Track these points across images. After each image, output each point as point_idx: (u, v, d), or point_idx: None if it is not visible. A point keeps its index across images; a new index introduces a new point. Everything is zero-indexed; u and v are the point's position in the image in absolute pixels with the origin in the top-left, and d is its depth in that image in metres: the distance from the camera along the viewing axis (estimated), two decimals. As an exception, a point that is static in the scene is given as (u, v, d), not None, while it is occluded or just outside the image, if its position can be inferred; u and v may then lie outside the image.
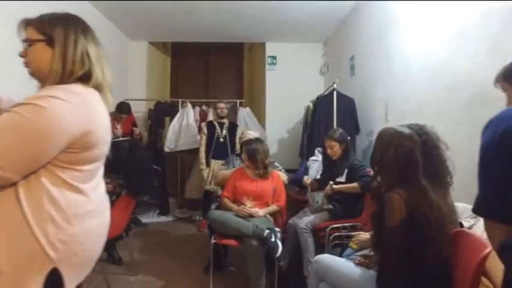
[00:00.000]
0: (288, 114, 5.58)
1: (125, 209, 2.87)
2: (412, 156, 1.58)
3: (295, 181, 3.66)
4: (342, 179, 2.80)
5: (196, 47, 6.08)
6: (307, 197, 2.93)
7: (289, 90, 5.61)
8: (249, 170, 2.94)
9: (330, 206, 2.75)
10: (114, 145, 3.25)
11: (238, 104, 5.34)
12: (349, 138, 3.01)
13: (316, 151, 3.73)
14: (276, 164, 3.32)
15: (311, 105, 4.27)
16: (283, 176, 3.13)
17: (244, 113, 5.18)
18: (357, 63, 4.46)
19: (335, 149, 2.85)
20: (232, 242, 2.62)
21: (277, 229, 2.60)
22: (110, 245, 3.21)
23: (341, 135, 2.87)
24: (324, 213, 2.75)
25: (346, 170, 2.80)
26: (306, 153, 4.25)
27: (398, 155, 1.57)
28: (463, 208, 2.05)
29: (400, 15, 3.40)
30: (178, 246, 3.86)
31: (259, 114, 5.72)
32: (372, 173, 3.00)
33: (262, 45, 5.86)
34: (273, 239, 2.44)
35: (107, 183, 2.67)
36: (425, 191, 1.54)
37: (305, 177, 3.14)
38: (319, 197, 2.77)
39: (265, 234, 2.44)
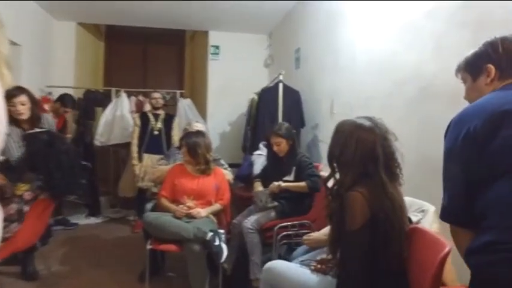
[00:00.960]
0: (230, 106, 5.33)
1: (40, 215, 2.41)
2: (374, 150, 1.43)
3: (240, 177, 3.43)
4: (291, 177, 2.61)
5: (134, 32, 5.56)
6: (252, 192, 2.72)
7: (232, 82, 5.36)
8: (189, 165, 2.65)
9: (275, 204, 2.55)
10: (31, 137, 2.78)
11: (178, 95, 4.97)
12: (294, 132, 2.84)
13: (260, 145, 3.52)
14: (222, 161, 3.06)
15: (256, 97, 4.06)
16: (228, 175, 2.89)
17: (185, 105, 4.83)
18: (303, 56, 4.33)
19: (282, 146, 2.64)
20: (171, 248, 2.30)
21: (221, 231, 2.34)
22: (26, 257, 2.72)
23: (287, 131, 2.67)
24: (271, 211, 2.55)
25: (294, 168, 2.61)
26: (249, 147, 4.04)
27: (359, 149, 1.40)
28: (411, 202, 1.97)
29: (348, 8, 3.30)
30: (109, 252, 3.37)
31: (201, 106, 5.40)
32: (320, 168, 2.95)
33: (205, 33, 5.53)
34: (216, 243, 2.18)
35: (25, 191, 2.20)
36: (386, 186, 1.40)
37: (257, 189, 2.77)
38: (263, 195, 2.57)
39: (208, 238, 2.17)
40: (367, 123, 1.49)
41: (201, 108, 5.39)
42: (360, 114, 2.98)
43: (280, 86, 3.72)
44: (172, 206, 2.49)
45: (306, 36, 4.23)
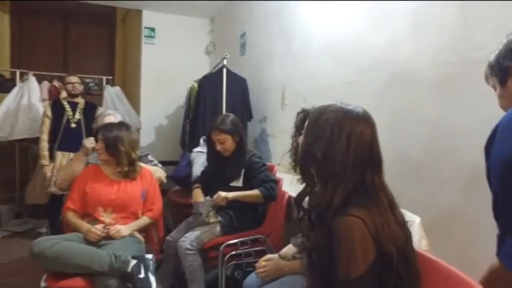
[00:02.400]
0: (167, 97, 4.63)
1: None
2: (373, 149, 0.94)
3: (176, 178, 2.80)
4: (239, 183, 2.05)
5: (51, 7, 4.59)
6: (191, 202, 2.11)
7: (169, 70, 4.65)
8: (108, 167, 1.98)
9: (219, 219, 1.99)
10: None
11: (104, 82, 4.16)
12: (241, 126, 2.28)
13: (201, 140, 2.93)
14: (150, 157, 2.41)
15: (195, 85, 3.44)
16: (160, 173, 2.25)
17: (113, 93, 4.05)
18: (249, 41, 3.79)
19: (227, 144, 2.07)
20: (76, 284, 1.59)
21: (149, 256, 1.72)
22: None
23: (233, 125, 2.09)
24: (215, 225, 1.98)
25: (242, 171, 2.07)
26: (188, 143, 3.42)
27: (354, 148, 0.91)
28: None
29: (302, -16, 2.83)
30: (3, 282, 2.50)
31: (134, 96, 4.64)
32: (275, 170, 2.37)
33: (139, 13, 4.73)
34: (141, 275, 1.56)
35: None
36: (393, 203, 0.93)
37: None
38: (204, 206, 1.97)
39: (129, 269, 1.55)
40: (358, 109, 1.00)
41: (134, 99, 4.62)
42: (316, 104, 2.53)
43: (224, 71, 3.15)
44: (83, 224, 1.81)
45: (252, 19, 3.69)
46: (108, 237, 1.76)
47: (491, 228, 1.49)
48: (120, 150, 1.94)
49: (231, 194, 1.93)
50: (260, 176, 1.97)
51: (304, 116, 1.52)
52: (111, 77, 4.40)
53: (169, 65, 4.65)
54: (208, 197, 2.03)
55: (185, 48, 4.77)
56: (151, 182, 2.04)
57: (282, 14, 3.10)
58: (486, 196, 1.61)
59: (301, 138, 1.06)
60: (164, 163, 3.99)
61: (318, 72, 2.63)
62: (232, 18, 4.27)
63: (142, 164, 2.11)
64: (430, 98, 1.77)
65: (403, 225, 0.91)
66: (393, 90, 1.98)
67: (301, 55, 2.82)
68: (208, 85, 3.27)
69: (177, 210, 2.68)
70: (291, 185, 2.44)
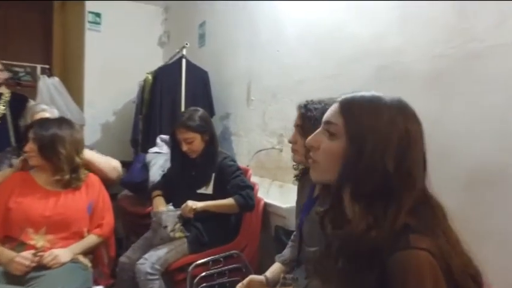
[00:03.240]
0: (115, 90, 4.10)
1: None
2: (424, 154, 0.70)
3: (128, 185, 2.37)
4: (208, 189, 1.72)
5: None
6: (151, 212, 1.72)
7: (117, 61, 4.12)
8: (41, 174, 1.55)
9: (187, 234, 1.65)
10: None
11: (39, 71, 3.56)
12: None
13: (158, 140, 2.54)
14: (90, 148, 1.97)
15: (149, 78, 3.02)
16: (115, 162, 1.84)
17: (50, 85, 3.46)
18: (209, 31, 3.43)
19: (195, 144, 1.73)
20: None
21: (98, 288, 1.34)
22: None
23: (203, 122, 1.77)
24: (182, 242, 1.63)
25: (213, 175, 1.74)
26: (142, 142, 3.00)
27: (418, 155, 0.65)
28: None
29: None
30: None
31: (76, 89, 4.05)
32: (250, 173, 2.00)
33: (81, -3, 4.16)
34: (87, 316, 1.19)
35: None
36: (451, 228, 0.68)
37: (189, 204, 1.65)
38: (169, 218, 1.61)
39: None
40: (403, 102, 0.74)
41: (77, 92, 4.04)
42: (287, 100, 2.26)
43: (184, 62, 2.78)
44: (2, 253, 1.37)
45: (213, 7, 3.33)
46: (41, 267, 1.35)
47: (489, 234, 1.34)
48: (59, 153, 1.52)
49: (201, 204, 1.59)
50: (235, 181, 1.66)
51: (306, 111, 1.24)
52: (47, 66, 3.79)
53: (117, 56, 4.12)
54: (171, 206, 1.68)
55: (136, 37, 4.26)
56: (99, 191, 1.64)
57: (248, 1, 2.80)
58: (484, 200, 1.47)
59: (316, 140, 0.77)
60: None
61: (291, 65, 2.37)
62: (189, 6, 3.87)
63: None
64: (422, 93, 1.58)
65: (467, 254, 0.66)
66: (380, 84, 1.76)
67: (271, 46, 2.54)
68: (164, 77, 2.88)
69: (129, 220, 2.27)
70: (268, 191, 2.16)
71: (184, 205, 1.58)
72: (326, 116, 0.77)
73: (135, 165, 2.39)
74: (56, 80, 3.59)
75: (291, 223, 1.71)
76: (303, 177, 1.40)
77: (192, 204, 1.57)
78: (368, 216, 0.65)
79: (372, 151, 0.66)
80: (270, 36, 2.55)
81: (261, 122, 2.62)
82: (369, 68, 1.81)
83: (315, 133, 0.76)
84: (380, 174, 0.65)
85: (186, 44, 2.82)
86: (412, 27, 1.61)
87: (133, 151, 3.58)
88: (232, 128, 3.01)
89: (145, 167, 2.28)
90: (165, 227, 1.57)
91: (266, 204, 1.79)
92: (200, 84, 2.89)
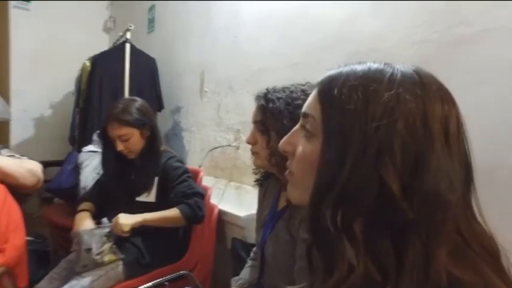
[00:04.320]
0: (53, 80, 3.58)
1: None
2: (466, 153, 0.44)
3: (55, 191, 1.96)
4: (150, 197, 1.38)
5: None
6: (71, 233, 1.34)
7: (54, 47, 3.59)
8: None
9: (120, 256, 1.30)
10: None
11: None
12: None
13: (94, 136, 2.15)
14: (6, 152, 1.55)
15: (87, 64, 2.60)
16: (32, 164, 1.44)
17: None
18: (159, 16, 3.05)
19: (132, 142, 1.39)
20: None
21: None
22: None
23: (141, 114, 1.42)
24: (115, 265, 1.28)
25: (156, 180, 1.41)
26: (78, 139, 2.58)
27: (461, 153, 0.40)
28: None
29: None
30: None
31: (0, 78, 3.48)
32: (200, 176, 1.67)
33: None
34: None
35: None
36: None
37: None
38: (92, 238, 1.24)
39: None
40: (424, 73, 0.48)
41: (1, 82, 3.46)
42: (245, 92, 2.00)
43: (127, 47, 2.39)
44: None
45: (163, -12, 2.97)
46: None
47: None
48: None
49: (135, 219, 1.25)
50: (180, 187, 1.34)
51: (267, 102, 0.96)
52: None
53: (54, 41, 3.59)
54: (105, 221, 1.33)
55: (77, 22, 3.75)
56: (2, 206, 1.24)
57: (201, -18, 2.47)
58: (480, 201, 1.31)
59: (290, 142, 0.50)
60: (48, 164, 3.06)
61: (249, 53, 2.09)
62: (137, -12, 3.46)
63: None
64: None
65: None
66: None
67: (227, 32, 2.25)
68: (105, 64, 2.48)
69: (57, 234, 1.87)
70: (223, 194, 1.87)
71: (113, 221, 1.23)
72: (304, 106, 0.52)
73: (64, 167, 1.98)
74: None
75: (251, 235, 1.44)
76: (264, 182, 1.13)
77: (123, 221, 1.23)
78: (368, 262, 0.39)
79: (355, 157, 0.41)
80: (226, 21, 2.26)
81: (216, 116, 2.32)
82: (340, 55, 1.58)
83: (290, 132, 0.53)
84: (376, 193, 0.39)
85: (130, 26, 2.44)
86: (389, 9, 1.39)
87: (71, 149, 3.13)
88: (183, 123, 2.68)
89: (77, 169, 1.88)
90: (89, 249, 1.21)
91: (221, 212, 1.49)
92: (147, 73, 2.53)
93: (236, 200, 1.76)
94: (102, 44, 3.84)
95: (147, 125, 1.39)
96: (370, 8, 1.45)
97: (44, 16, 3.57)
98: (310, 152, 0.46)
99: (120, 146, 1.36)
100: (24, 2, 3.48)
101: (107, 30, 4.03)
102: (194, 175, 1.49)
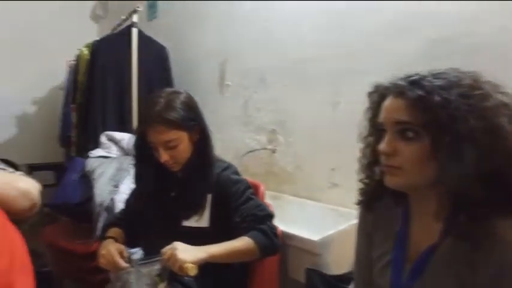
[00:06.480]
0: (35, 74, 3.11)
1: None
2: None
3: (61, 207, 1.54)
4: (202, 221, 1.02)
5: None
6: (110, 276, 0.98)
7: (36, 37, 3.13)
8: None
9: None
10: None
11: None
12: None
13: (103, 138, 1.76)
14: None
15: (85, 52, 2.18)
16: (26, 182, 1.02)
17: None
18: (163, 1, 2.66)
19: (180, 149, 1.01)
20: None
21: None
22: None
23: (189, 109, 1.04)
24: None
25: (209, 199, 1.05)
26: (77, 141, 2.17)
27: None
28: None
29: None
30: None
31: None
32: (262, 191, 1.24)
33: None
34: None
35: None
36: None
37: None
38: (143, 279, 0.88)
39: None
40: None
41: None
42: (283, 85, 1.68)
43: (134, 33, 2.01)
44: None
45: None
46: None
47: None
48: None
49: (200, 255, 0.87)
50: (247, 208, 0.99)
51: (427, 93, 0.65)
52: None
53: (34, 29, 3.13)
54: (138, 252, 0.98)
55: (60, 8, 3.29)
56: (3, 233, 0.87)
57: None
58: None
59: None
60: (34, 167, 2.65)
61: (286, 41, 1.77)
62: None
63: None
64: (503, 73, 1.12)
65: None
66: (436, 61, 1.26)
67: (256, 16, 1.91)
68: (107, 52, 2.07)
69: (62, 260, 1.48)
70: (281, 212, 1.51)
71: (166, 254, 0.87)
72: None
73: (68, 177, 1.56)
74: None
75: (327, 262, 1.13)
76: (376, 206, 0.82)
77: (185, 256, 0.85)
78: None
79: None
80: (253, 3, 1.91)
81: (243, 114, 1.99)
82: (416, 41, 1.30)
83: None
84: None
85: (138, 7, 2.04)
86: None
87: (64, 152, 2.71)
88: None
89: (86, 179, 1.49)
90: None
91: (284, 236, 1.17)
92: (157, 63, 2.15)
93: (292, 214, 1.44)
94: (91, 34, 3.39)
95: (196, 125, 1.05)
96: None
97: (23, 2, 3.09)
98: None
99: (164, 156, 0.98)
100: (2, -17, 2.98)
101: (95, 18, 3.58)
102: (255, 189, 1.15)
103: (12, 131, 3.15)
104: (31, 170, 2.75)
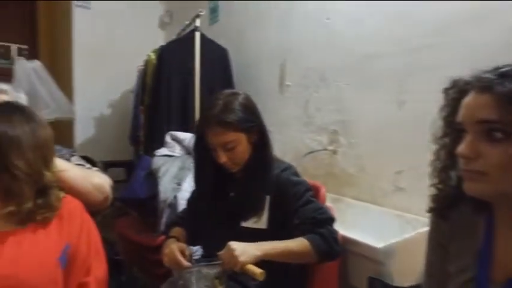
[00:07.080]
0: (110, 78, 3.39)
1: None
2: None
3: (130, 201, 1.66)
4: (261, 222, 1.01)
5: None
6: (174, 273, 1.02)
7: (112, 44, 3.40)
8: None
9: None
10: None
11: (16, 52, 2.83)
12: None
13: (167, 138, 1.85)
14: (76, 159, 1.21)
15: (152, 57, 2.32)
16: (99, 177, 1.12)
17: (30, 69, 2.74)
18: (224, 4, 2.73)
19: (239, 151, 1.02)
20: None
21: None
22: None
23: (248, 112, 1.05)
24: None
25: (268, 200, 1.03)
26: (144, 140, 2.31)
27: None
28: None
29: None
30: None
31: (64, 77, 3.34)
32: (323, 193, 1.15)
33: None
34: None
35: None
36: None
37: None
38: (202, 281, 0.90)
39: None
40: None
41: (65, 80, 3.32)
42: (345, 84, 1.59)
43: (197, 36, 2.08)
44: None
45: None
46: None
47: None
48: (13, 166, 0.85)
49: (256, 252, 0.88)
50: (307, 211, 0.97)
51: (460, 93, 0.58)
52: (25, 46, 3.05)
53: (111, 38, 3.42)
54: (198, 250, 1.01)
55: (132, 18, 3.55)
56: (81, 226, 0.95)
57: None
58: None
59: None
60: (108, 164, 2.86)
61: (348, 37, 1.69)
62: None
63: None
64: None
65: None
66: None
67: (317, 14, 1.86)
68: (172, 57, 2.18)
69: (132, 250, 1.59)
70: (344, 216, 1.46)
71: (224, 255, 0.88)
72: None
73: (137, 173, 1.68)
74: (36, 63, 2.87)
75: (390, 272, 1.05)
76: (452, 214, 0.74)
77: (241, 251, 0.86)
78: None
79: None
80: (315, 2, 1.87)
81: (303, 114, 1.95)
82: (495, 33, 1.15)
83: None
84: None
85: (200, 11, 2.12)
86: None
87: (133, 150, 2.91)
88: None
89: (152, 176, 1.58)
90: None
91: (345, 241, 1.12)
92: (219, 66, 2.20)
93: (353, 219, 1.38)
94: (158, 40, 3.60)
95: (255, 126, 1.04)
96: None
97: (103, 14, 3.40)
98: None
99: (223, 157, 1.00)
100: (86, 1, 3.32)
101: (162, 25, 3.80)
102: (315, 192, 1.12)
103: (92, 131, 3.47)
104: (106, 166, 3.01)
